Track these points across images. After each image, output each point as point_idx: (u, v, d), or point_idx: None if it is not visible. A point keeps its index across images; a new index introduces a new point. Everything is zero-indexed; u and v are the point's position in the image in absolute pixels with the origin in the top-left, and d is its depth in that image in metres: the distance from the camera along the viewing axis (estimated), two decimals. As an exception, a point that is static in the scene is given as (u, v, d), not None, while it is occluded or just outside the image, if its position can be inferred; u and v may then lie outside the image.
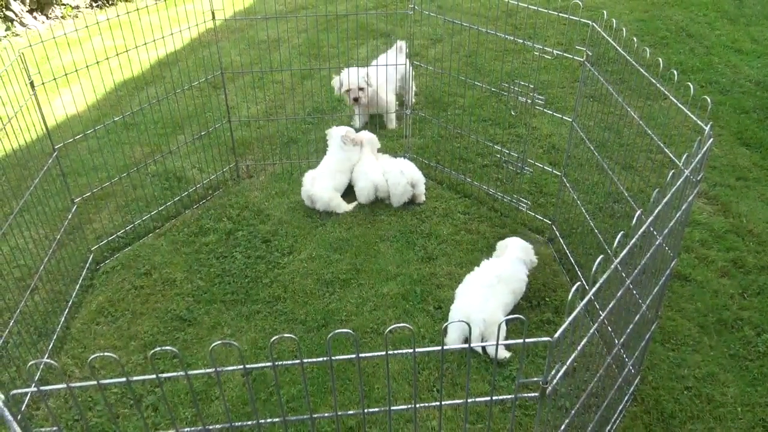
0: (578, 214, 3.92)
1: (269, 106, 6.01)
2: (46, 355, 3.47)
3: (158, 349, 1.55)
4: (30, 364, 1.55)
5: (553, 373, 1.72)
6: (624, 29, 3.40)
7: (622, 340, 2.46)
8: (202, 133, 5.01)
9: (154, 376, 1.45)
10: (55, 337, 3.59)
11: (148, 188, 4.80)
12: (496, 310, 3.45)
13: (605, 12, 3.72)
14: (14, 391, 1.58)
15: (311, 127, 5.67)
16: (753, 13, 8.01)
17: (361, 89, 5.29)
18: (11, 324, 3.30)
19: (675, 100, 2.78)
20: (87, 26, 3.95)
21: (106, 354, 1.42)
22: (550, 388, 1.69)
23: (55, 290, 3.81)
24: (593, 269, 1.81)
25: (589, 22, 3.60)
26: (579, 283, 1.77)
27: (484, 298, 3.47)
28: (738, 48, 7.05)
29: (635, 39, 3.33)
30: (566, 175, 4.14)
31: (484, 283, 3.55)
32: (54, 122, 5.17)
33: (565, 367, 1.75)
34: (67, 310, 3.77)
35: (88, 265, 4.10)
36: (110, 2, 8.83)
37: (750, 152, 5.27)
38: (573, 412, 2.13)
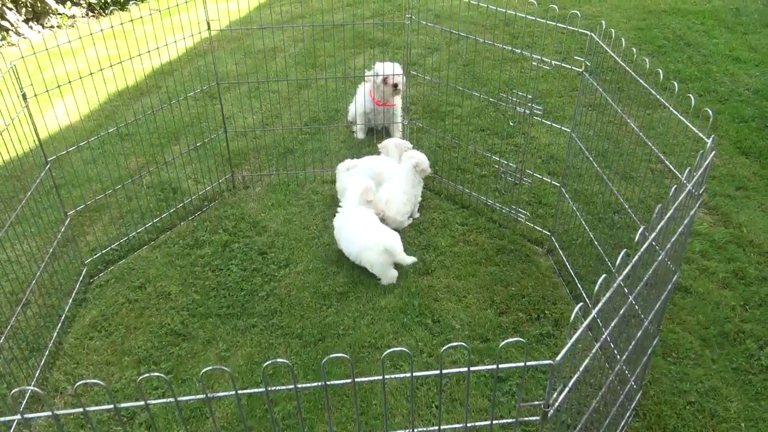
0: (577, 225, 3.88)
1: (266, 116, 5.97)
2: (38, 371, 3.41)
3: (146, 375, 1.50)
4: (14, 391, 1.49)
5: (555, 395, 1.67)
6: (623, 39, 3.37)
7: (624, 356, 2.42)
8: (198, 144, 4.96)
9: (142, 402, 1.41)
10: (47, 352, 3.53)
11: (143, 200, 4.75)
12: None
13: (603, 21, 3.69)
14: (-3, 420, 1.53)
15: (308, 138, 5.63)
16: (750, 22, 8.00)
17: (396, 84, 5.26)
18: (2, 339, 3.24)
19: (675, 112, 2.75)
20: (80, 37, 3.92)
21: (91, 381, 1.37)
22: (551, 411, 1.64)
23: (48, 304, 3.75)
24: (596, 288, 1.76)
25: (587, 32, 3.58)
26: (581, 303, 1.72)
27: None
28: (736, 56, 7.03)
29: (635, 50, 3.30)
30: (565, 185, 4.10)
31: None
32: (47, 134, 5.13)
33: (567, 389, 1.70)
34: (59, 324, 3.71)
35: (81, 278, 4.04)
36: (106, 12, 8.80)
37: (749, 161, 5.24)
38: (575, 432, 2.07)
